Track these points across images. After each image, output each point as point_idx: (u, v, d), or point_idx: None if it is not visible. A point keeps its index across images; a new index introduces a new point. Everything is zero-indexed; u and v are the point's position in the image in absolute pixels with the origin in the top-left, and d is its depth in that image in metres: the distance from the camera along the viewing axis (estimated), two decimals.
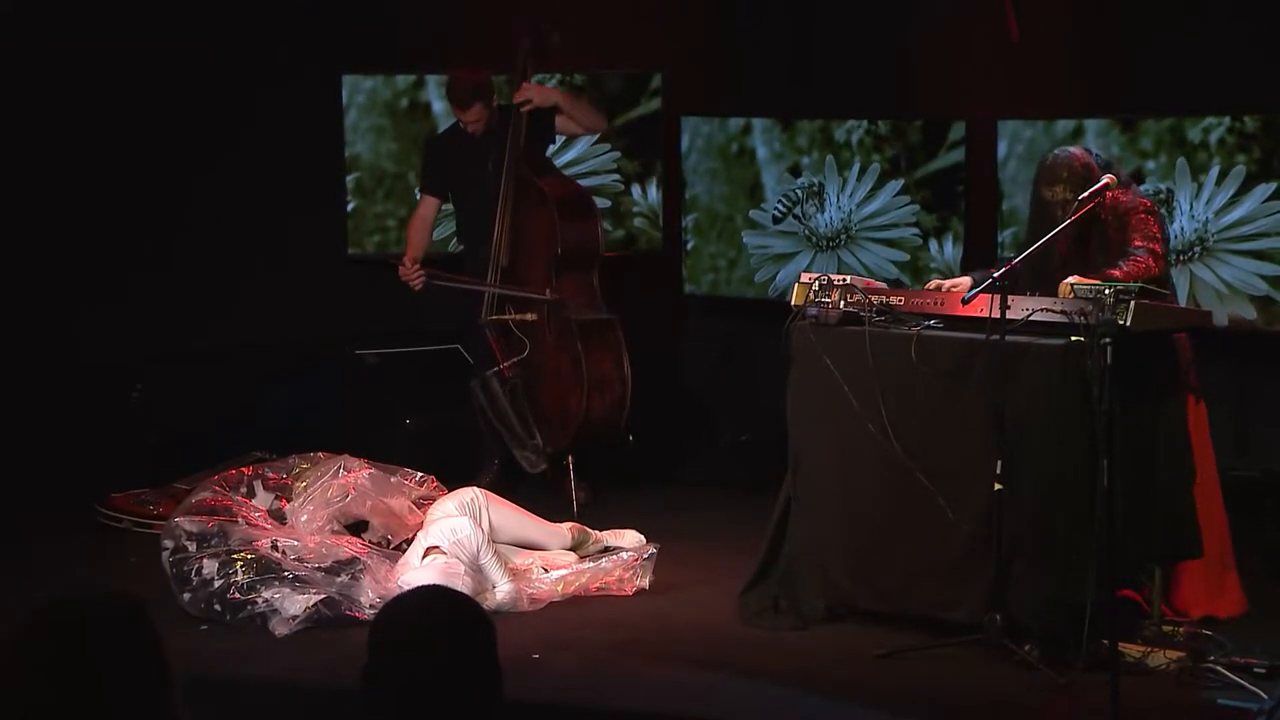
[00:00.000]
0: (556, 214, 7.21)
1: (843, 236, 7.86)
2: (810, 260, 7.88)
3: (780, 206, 7.97)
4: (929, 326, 5.55)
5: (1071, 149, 5.88)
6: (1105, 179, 5.58)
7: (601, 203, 7.96)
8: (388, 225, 8.23)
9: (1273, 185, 6.81)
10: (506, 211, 7.24)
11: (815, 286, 5.73)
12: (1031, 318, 5.27)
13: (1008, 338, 5.24)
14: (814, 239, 7.92)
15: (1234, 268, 6.88)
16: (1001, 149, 7.43)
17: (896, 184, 7.71)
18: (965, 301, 5.41)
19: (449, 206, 7.61)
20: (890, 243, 7.75)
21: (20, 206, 7.53)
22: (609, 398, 7.31)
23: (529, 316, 7.26)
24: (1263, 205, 6.81)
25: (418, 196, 7.96)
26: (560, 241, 7.21)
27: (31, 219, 7.54)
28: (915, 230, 7.69)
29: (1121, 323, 5.12)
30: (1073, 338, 5.20)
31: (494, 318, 7.29)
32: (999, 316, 5.21)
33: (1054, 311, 5.26)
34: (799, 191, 7.91)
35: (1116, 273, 5.46)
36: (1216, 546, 5.68)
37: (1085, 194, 5.57)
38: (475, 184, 7.34)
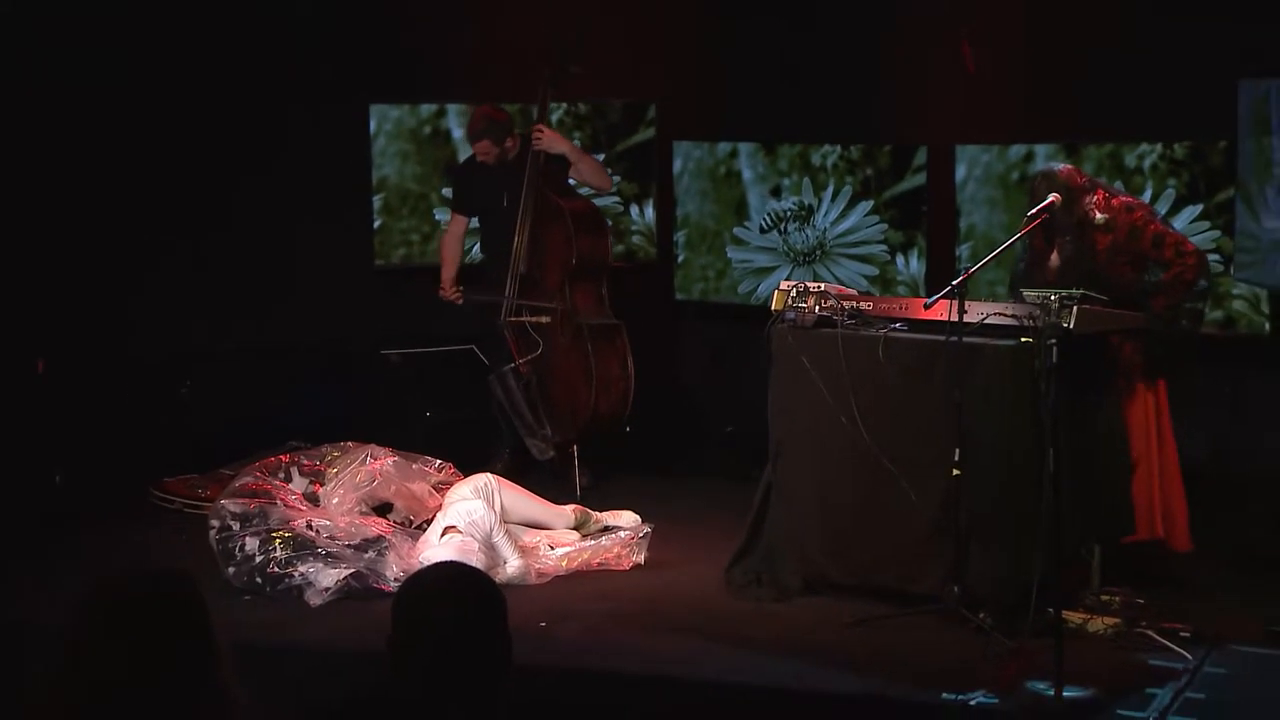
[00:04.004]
0: (573, 228, 7.21)
1: (818, 252, 7.85)
2: (789, 274, 7.86)
3: (768, 219, 7.97)
4: (895, 329, 5.55)
5: (1057, 168, 5.83)
6: (1050, 198, 5.58)
7: None
8: (411, 239, 8.24)
9: (1199, 206, 6.81)
10: (526, 225, 7.24)
11: (793, 293, 5.73)
12: (986, 321, 5.27)
13: (965, 339, 5.25)
14: (792, 254, 7.92)
15: None
16: (960, 172, 7.43)
17: (867, 204, 7.70)
18: (927, 306, 5.43)
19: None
20: (861, 258, 7.75)
21: (93, 226, 7.53)
22: (614, 394, 7.31)
23: (543, 319, 7.27)
24: (1191, 225, 6.80)
25: (437, 216, 7.99)
26: (575, 253, 7.21)
27: (99, 235, 7.54)
28: (884, 247, 7.68)
29: (1066, 326, 5.12)
30: (1022, 339, 5.21)
31: (512, 319, 7.30)
32: (957, 320, 5.22)
33: (1006, 315, 5.27)
34: (787, 211, 7.91)
35: (1162, 300, 5.53)
36: (1177, 492, 5.70)
37: (1032, 210, 5.58)
38: (493, 205, 7.35)
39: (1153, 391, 5.72)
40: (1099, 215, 5.64)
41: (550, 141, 7.29)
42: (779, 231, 7.93)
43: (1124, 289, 5.53)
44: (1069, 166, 5.88)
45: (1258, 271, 6.38)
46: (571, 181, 7.47)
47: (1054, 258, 5.75)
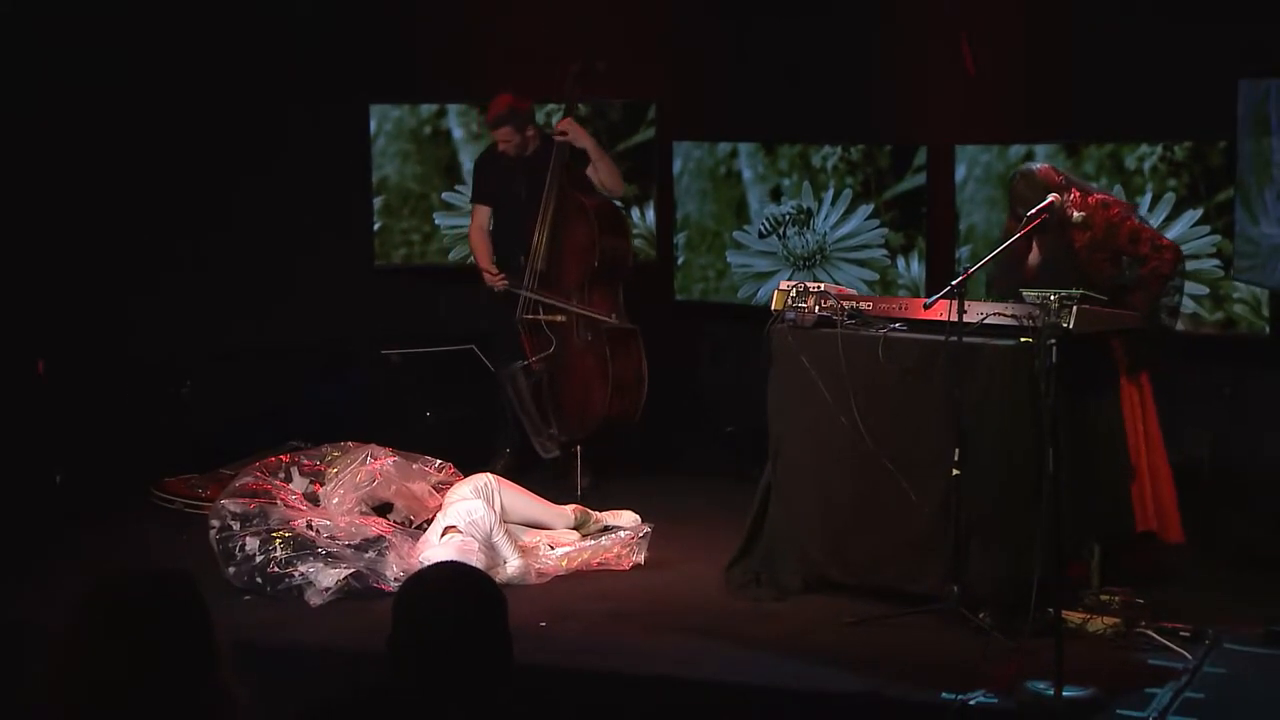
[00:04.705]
0: (598, 227, 7.17)
1: (818, 256, 7.84)
2: (788, 278, 7.83)
3: (766, 224, 7.96)
4: (894, 329, 5.54)
5: (1035, 167, 5.85)
6: (1050, 198, 5.58)
7: None
8: (411, 239, 8.24)
9: (1200, 210, 6.80)
10: (547, 221, 7.20)
11: (793, 293, 5.73)
12: (986, 321, 5.27)
13: (964, 339, 5.24)
14: (792, 259, 7.90)
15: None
16: (960, 172, 7.42)
17: (867, 208, 7.69)
18: (927, 306, 5.43)
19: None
20: (861, 262, 7.73)
21: (93, 226, 7.55)
22: (627, 399, 7.29)
23: (558, 318, 7.25)
24: (1191, 230, 6.80)
25: (437, 221, 7.96)
26: (599, 254, 7.18)
27: (100, 236, 7.57)
28: (884, 251, 7.67)
29: (1065, 326, 5.12)
30: (1022, 339, 5.21)
31: (527, 317, 7.28)
32: (957, 320, 5.22)
33: (1006, 315, 5.26)
34: (786, 215, 7.90)
35: (1140, 296, 5.53)
36: (1166, 484, 5.70)
37: (1031, 211, 5.57)
38: (510, 198, 7.32)
39: (1136, 386, 5.73)
40: (1076, 213, 5.65)
41: (576, 136, 7.28)
42: (778, 236, 7.92)
43: (1103, 285, 5.53)
44: (1046, 166, 5.89)
45: (1257, 274, 6.38)
46: None
47: (1033, 256, 5.76)
